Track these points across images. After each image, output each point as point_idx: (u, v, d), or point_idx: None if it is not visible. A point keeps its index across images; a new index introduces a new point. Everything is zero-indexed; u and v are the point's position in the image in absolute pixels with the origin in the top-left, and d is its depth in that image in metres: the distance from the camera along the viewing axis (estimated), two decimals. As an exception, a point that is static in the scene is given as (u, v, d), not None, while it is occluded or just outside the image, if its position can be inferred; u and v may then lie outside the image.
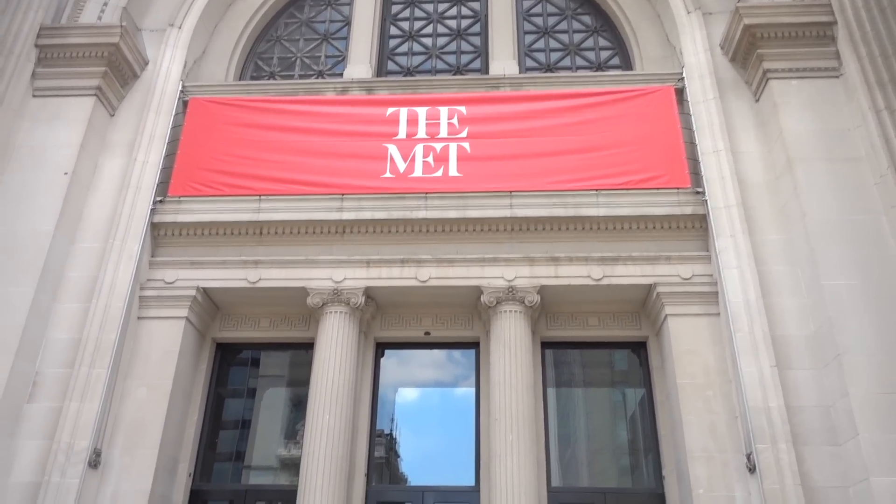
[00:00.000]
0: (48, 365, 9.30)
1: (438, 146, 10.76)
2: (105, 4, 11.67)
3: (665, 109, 10.76)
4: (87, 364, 9.18)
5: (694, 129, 10.46)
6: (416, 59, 12.75)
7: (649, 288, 9.79)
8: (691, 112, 10.60)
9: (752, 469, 8.35)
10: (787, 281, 9.23)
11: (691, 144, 10.45)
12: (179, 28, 12.00)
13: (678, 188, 10.13)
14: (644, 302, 10.12)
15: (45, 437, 8.84)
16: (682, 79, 10.99)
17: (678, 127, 10.58)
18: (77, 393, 9.01)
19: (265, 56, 12.99)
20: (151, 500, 8.84)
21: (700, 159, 10.21)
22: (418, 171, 10.57)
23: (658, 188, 10.14)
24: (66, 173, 10.16)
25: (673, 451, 9.32)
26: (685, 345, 9.33)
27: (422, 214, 10.22)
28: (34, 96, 10.85)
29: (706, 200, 9.89)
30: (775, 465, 8.21)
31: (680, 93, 10.98)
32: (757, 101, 10.55)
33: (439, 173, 10.53)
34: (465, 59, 12.67)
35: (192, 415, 10.04)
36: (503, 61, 12.03)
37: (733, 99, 10.64)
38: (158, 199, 10.49)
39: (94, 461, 8.78)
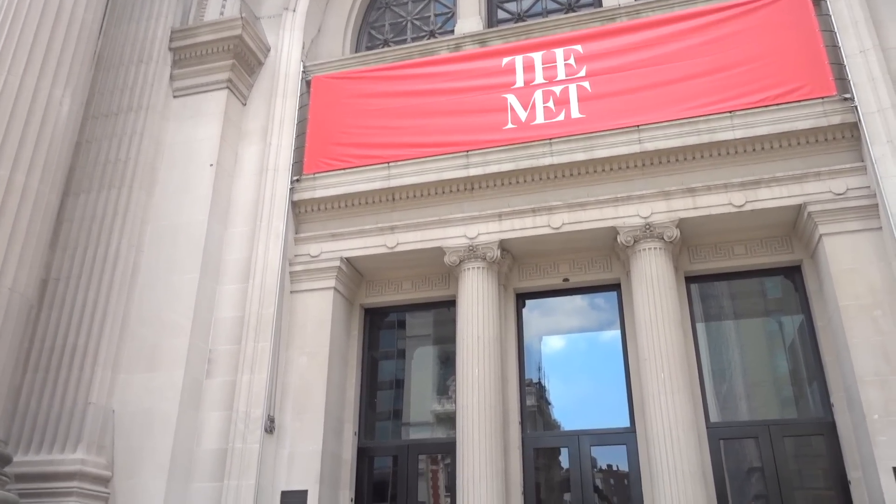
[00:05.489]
0: (219, 342, 10.13)
1: (558, 89, 10.53)
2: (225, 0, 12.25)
3: (799, 13, 9.88)
4: (252, 339, 9.93)
5: (835, 29, 9.55)
6: (526, 3, 12.46)
7: (799, 208, 9.18)
8: (830, 11, 9.67)
9: (932, 390, 7.75)
10: (957, 184, 8.36)
11: (833, 48, 9.56)
12: (294, 11, 12.37)
13: (822, 97, 9.33)
14: (794, 224, 9.51)
15: (225, 407, 9.67)
16: (817, -24, 10.05)
17: (816, 30, 9.70)
18: (247, 366, 9.78)
19: (377, 24, 13.16)
20: (324, 458, 9.51)
21: (845, 62, 9.33)
22: (540, 118, 10.42)
23: (800, 100, 9.40)
24: (211, 165, 10.88)
25: (841, 377, 8.79)
26: (845, 264, 8.70)
27: (548, 161, 10.09)
28: (174, 97, 11.61)
29: (856, 106, 9.06)
30: (960, 383, 7.57)
31: (815, -8, 10.06)
32: (907, -13, 9.48)
33: (561, 117, 10.32)
34: (576, -7, 12.24)
35: (351, 378, 10.63)
36: (617, -11, 11.47)
37: (879, -11, 9.62)
38: (295, 178, 11.02)
39: (269, 427, 9.53)
